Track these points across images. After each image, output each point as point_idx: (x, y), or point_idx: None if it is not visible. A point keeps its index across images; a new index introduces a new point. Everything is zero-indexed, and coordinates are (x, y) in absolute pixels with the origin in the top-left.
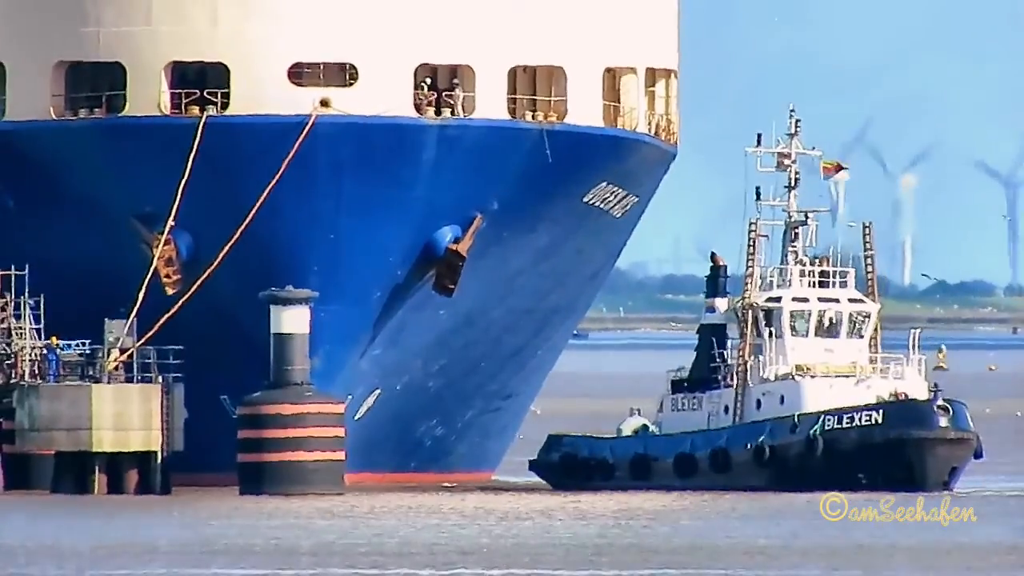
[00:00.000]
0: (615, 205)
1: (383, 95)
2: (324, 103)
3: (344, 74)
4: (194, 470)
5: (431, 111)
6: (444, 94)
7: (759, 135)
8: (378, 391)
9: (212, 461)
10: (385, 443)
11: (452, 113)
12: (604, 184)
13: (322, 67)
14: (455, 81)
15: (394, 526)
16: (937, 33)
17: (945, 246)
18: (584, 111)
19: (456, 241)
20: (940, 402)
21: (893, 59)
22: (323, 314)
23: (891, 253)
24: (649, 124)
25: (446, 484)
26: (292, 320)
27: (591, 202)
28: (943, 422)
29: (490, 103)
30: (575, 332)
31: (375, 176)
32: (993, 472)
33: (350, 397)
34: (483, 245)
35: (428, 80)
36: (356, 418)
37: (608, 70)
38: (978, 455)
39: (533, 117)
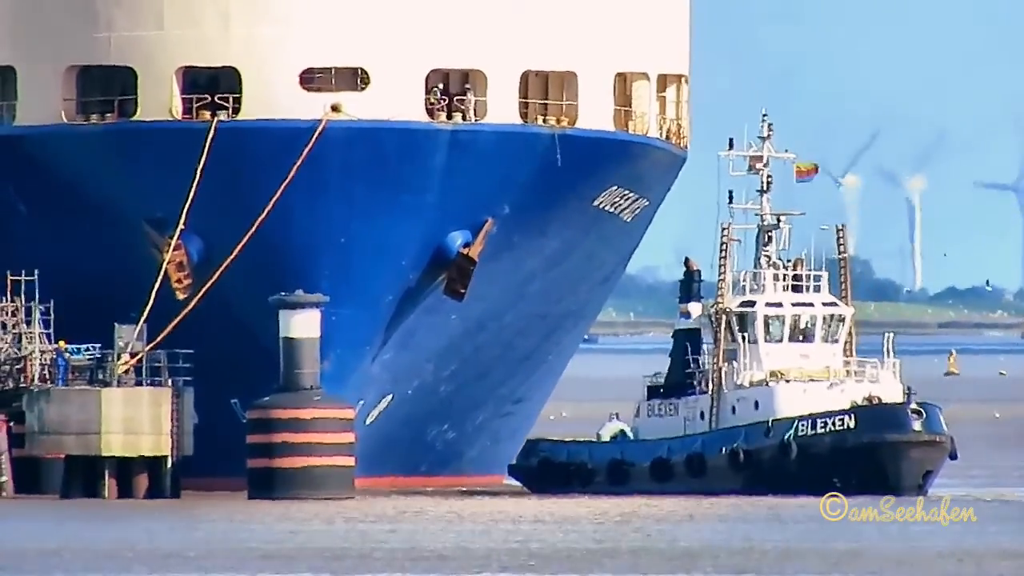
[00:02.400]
0: (625, 209)
1: (394, 100)
2: (335, 108)
3: (355, 79)
4: (204, 474)
5: (443, 116)
6: (456, 99)
7: (731, 139)
8: (390, 397)
9: (222, 466)
10: (396, 447)
11: (464, 118)
12: (614, 188)
13: (333, 72)
14: (467, 86)
15: (403, 530)
16: (945, 38)
17: (955, 251)
18: (595, 116)
19: (467, 245)
20: (913, 405)
21: (903, 64)
22: (334, 318)
23: (901, 258)
24: (660, 129)
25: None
26: (302, 324)
27: (601, 206)
28: (916, 425)
29: (502, 108)
30: (585, 337)
31: (386, 181)
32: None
33: (361, 402)
34: (494, 249)
35: (441, 86)
36: (367, 423)
37: (619, 75)
38: (953, 457)
39: (544, 122)
